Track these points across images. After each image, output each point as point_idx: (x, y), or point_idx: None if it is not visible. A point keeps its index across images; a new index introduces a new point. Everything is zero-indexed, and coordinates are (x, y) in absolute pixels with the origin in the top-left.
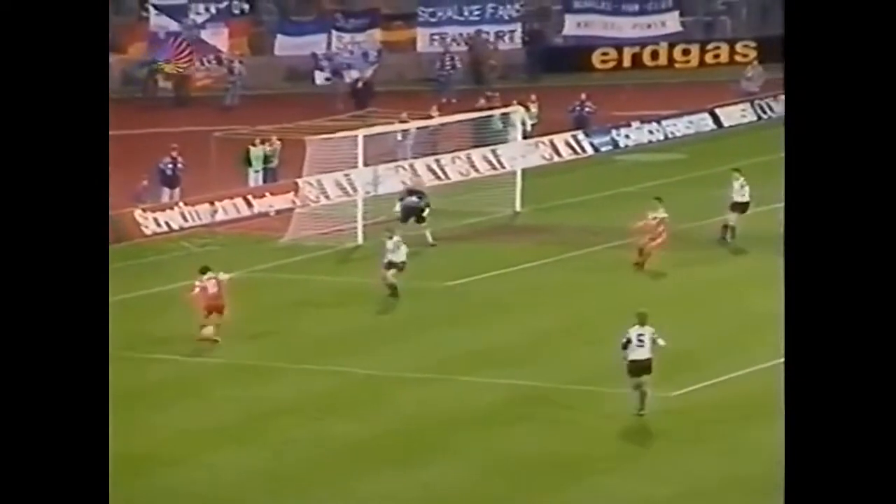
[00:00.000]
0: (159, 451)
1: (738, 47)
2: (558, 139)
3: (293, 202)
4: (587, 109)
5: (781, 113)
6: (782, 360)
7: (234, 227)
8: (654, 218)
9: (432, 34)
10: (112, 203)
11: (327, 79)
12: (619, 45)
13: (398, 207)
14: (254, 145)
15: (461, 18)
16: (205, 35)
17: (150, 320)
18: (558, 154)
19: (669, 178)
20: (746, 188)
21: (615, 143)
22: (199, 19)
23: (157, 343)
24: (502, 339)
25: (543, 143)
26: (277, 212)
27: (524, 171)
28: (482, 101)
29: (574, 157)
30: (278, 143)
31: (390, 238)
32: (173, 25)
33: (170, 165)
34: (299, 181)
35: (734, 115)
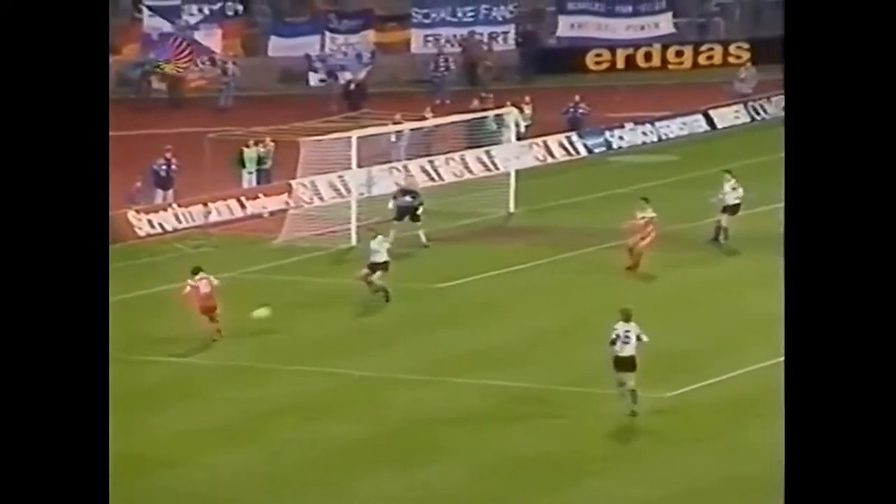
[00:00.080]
0: (154, 452)
1: (732, 49)
2: (552, 140)
3: (287, 203)
4: (581, 111)
5: (775, 114)
6: (778, 360)
7: (228, 229)
8: (642, 218)
9: (426, 35)
10: None
11: (321, 80)
12: (612, 46)
13: (391, 205)
14: (247, 146)
15: (455, 20)
16: (198, 36)
17: (144, 322)
18: (552, 155)
19: (663, 180)
20: (739, 190)
21: (609, 145)
22: (193, 20)
23: (152, 344)
24: (496, 341)
25: (537, 144)
26: (271, 213)
27: (518, 172)
28: (476, 103)
29: (568, 158)
30: (272, 144)
31: (375, 238)
32: (167, 27)
33: (163, 167)
34: (293, 182)
35: (727, 116)
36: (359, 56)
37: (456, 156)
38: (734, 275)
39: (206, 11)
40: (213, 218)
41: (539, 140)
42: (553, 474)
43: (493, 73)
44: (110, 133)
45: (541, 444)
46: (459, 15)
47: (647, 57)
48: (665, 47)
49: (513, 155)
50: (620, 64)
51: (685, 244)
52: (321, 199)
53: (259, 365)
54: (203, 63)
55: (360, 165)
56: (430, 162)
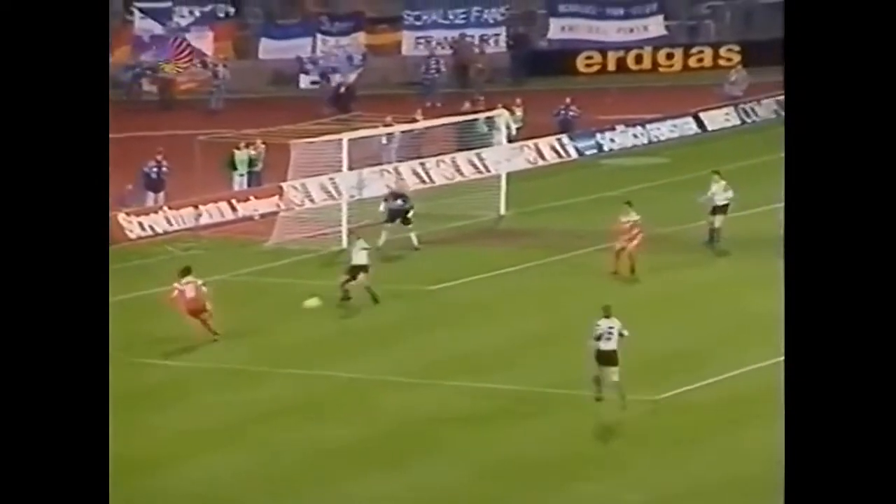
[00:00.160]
0: (148, 454)
1: (722, 51)
2: (543, 143)
3: (278, 206)
4: (572, 113)
5: (765, 117)
6: (771, 361)
7: (219, 231)
8: (627, 222)
9: (417, 38)
10: None
11: (312, 82)
12: (603, 48)
13: (382, 208)
14: (238, 149)
15: (446, 22)
16: (189, 38)
17: (135, 324)
18: (543, 158)
19: (653, 182)
20: (730, 192)
21: (599, 147)
22: (184, 23)
23: (144, 347)
24: (487, 343)
25: (528, 146)
26: (262, 215)
27: (509, 174)
28: (467, 105)
29: (559, 160)
30: (263, 146)
31: (354, 241)
32: (158, 29)
33: (154, 169)
34: (284, 185)
35: (718, 119)
36: (350, 58)
37: (447, 158)
38: (725, 277)
39: (197, 14)
40: (204, 220)
41: (530, 142)
42: (544, 477)
43: (485, 75)
44: None
45: (532, 447)
46: (451, 17)
47: (638, 59)
48: (656, 50)
49: (504, 157)
50: (611, 66)
51: (676, 246)
52: (312, 201)
53: (250, 368)
54: (194, 65)
55: (350, 168)
56: (421, 164)
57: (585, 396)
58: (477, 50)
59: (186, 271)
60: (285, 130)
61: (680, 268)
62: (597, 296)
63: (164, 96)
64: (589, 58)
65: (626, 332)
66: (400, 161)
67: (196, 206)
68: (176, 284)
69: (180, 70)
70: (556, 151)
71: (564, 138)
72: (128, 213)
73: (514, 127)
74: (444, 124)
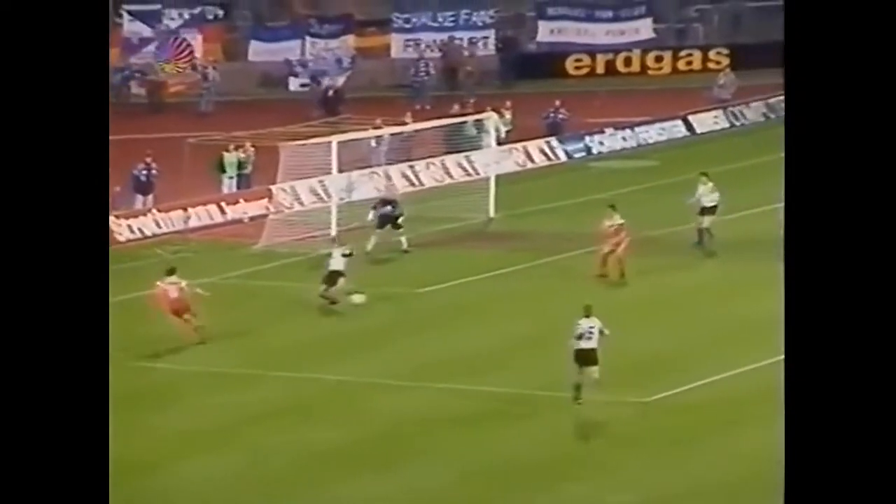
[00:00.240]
0: (139, 457)
1: (711, 54)
2: (532, 146)
3: (267, 208)
4: (561, 116)
5: (754, 120)
6: (761, 363)
7: (208, 234)
8: (612, 225)
9: (406, 40)
10: None
11: (301, 85)
12: (592, 51)
13: (371, 216)
14: (228, 151)
15: (435, 25)
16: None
17: (124, 327)
18: (532, 160)
19: (642, 185)
20: (716, 193)
21: (588, 150)
22: (173, 25)
23: (132, 349)
24: (476, 345)
25: (517, 149)
26: (251, 218)
27: (498, 177)
28: (456, 108)
29: (548, 163)
30: (252, 149)
31: (339, 246)
32: (147, 31)
33: (143, 172)
34: (273, 187)
35: (707, 121)
36: (339, 61)
37: (436, 161)
38: (714, 279)
39: (187, 16)
40: (193, 223)
41: (519, 145)
42: (533, 478)
43: (474, 78)
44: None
45: (521, 449)
46: (440, 20)
47: (627, 62)
48: (645, 53)
49: (493, 160)
50: (600, 69)
51: (665, 249)
52: (301, 204)
53: (240, 370)
54: (194, 65)
55: (340, 170)
56: (411, 167)
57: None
58: (466, 53)
59: (171, 271)
60: (275, 133)
61: (669, 270)
62: (585, 299)
63: (153, 99)
64: (578, 60)
65: (606, 331)
66: (389, 163)
67: (185, 209)
68: (159, 283)
69: (180, 70)
70: (545, 154)
71: (553, 141)
72: (117, 216)
73: (503, 130)
74: (433, 127)
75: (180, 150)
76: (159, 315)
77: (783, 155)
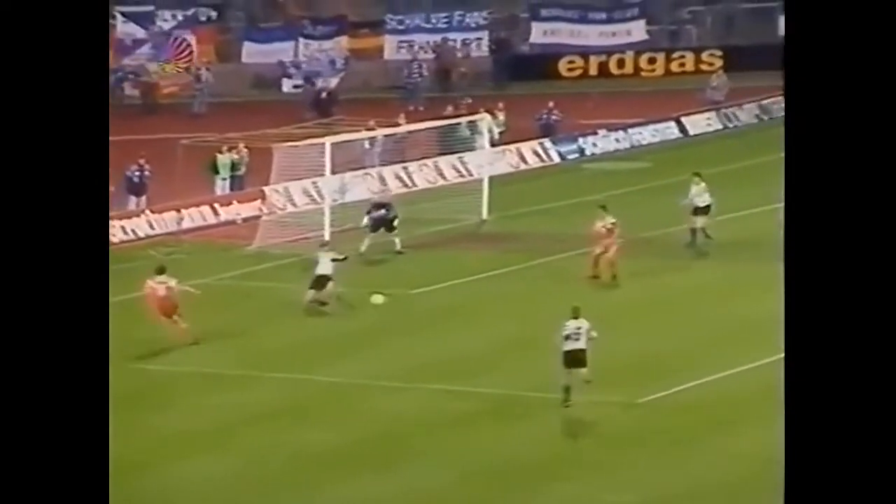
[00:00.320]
0: (131, 459)
1: (704, 56)
2: (525, 147)
3: (260, 210)
4: (554, 117)
5: (747, 122)
6: (754, 364)
7: (201, 235)
8: (603, 226)
9: (400, 42)
10: None
11: (295, 86)
12: (585, 53)
13: (366, 221)
14: (221, 153)
15: (428, 26)
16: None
17: (118, 328)
18: (525, 162)
19: (635, 186)
20: (707, 194)
21: (582, 151)
22: (167, 26)
23: (126, 351)
24: (469, 347)
25: (510, 150)
26: (244, 219)
27: (491, 178)
28: (450, 109)
29: (541, 164)
30: (245, 150)
31: (328, 251)
32: (140, 33)
33: (137, 173)
34: (266, 189)
35: (700, 123)
36: (332, 62)
37: (429, 162)
38: (707, 281)
39: (180, 17)
40: (187, 224)
41: (512, 146)
42: (526, 479)
43: (467, 79)
44: None
45: (514, 450)
46: (433, 21)
47: (620, 64)
48: (638, 54)
49: (486, 161)
50: (593, 71)
51: (657, 250)
52: (294, 205)
53: (233, 371)
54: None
55: (333, 172)
56: (404, 168)
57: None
58: (460, 54)
59: (160, 270)
60: (268, 134)
61: (661, 272)
62: (578, 300)
63: (146, 100)
64: (571, 62)
65: (594, 334)
66: (383, 165)
67: (178, 210)
68: (149, 282)
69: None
70: (539, 155)
71: (547, 142)
72: (110, 217)
73: (496, 131)
74: (426, 128)
75: (173, 151)
76: (151, 315)
77: (778, 156)
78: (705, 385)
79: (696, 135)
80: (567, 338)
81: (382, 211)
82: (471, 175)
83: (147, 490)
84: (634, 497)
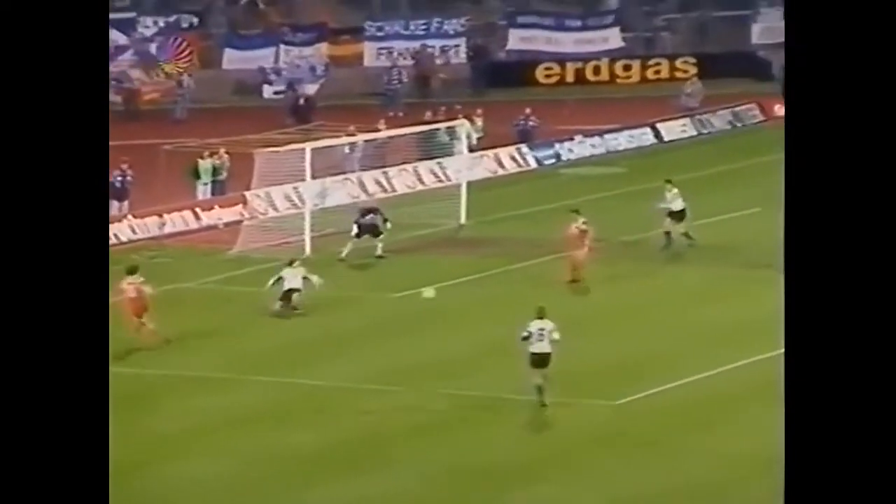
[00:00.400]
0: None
1: (678, 63)
2: (503, 152)
3: (242, 214)
4: (531, 123)
5: (720, 128)
6: (730, 366)
7: (183, 240)
8: (576, 227)
9: (379, 48)
10: None
11: (275, 92)
12: (562, 60)
13: (355, 230)
14: (202, 158)
15: (407, 33)
16: (153, 49)
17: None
18: (503, 167)
19: (611, 192)
20: (679, 199)
21: (558, 157)
22: (148, 33)
23: (113, 353)
24: (449, 350)
25: (488, 156)
26: (226, 224)
27: (469, 183)
28: (428, 115)
29: (518, 170)
30: (227, 155)
31: (290, 265)
32: (122, 39)
33: (119, 178)
34: (247, 194)
35: (674, 129)
36: (313, 69)
37: (409, 167)
38: (682, 285)
39: (162, 24)
40: (169, 229)
41: (490, 152)
42: (505, 480)
43: (446, 85)
44: None
45: (493, 451)
46: (412, 28)
47: (596, 71)
48: (613, 61)
49: (464, 166)
50: (570, 77)
51: (633, 254)
52: (276, 209)
53: (214, 375)
54: (158, 75)
55: (314, 177)
56: (384, 173)
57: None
58: (438, 61)
59: (132, 270)
60: (249, 140)
61: (637, 276)
62: (556, 303)
63: (128, 106)
64: (548, 69)
65: (557, 336)
66: (363, 170)
67: (161, 215)
68: (122, 283)
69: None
70: (516, 161)
71: (524, 148)
72: None
73: (474, 137)
74: (405, 134)
75: (156, 156)
76: (124, 317)
77: (750, 162)
78: (682, 387)
79: (670, 141)
80: (527, 337)
81: (370, 216)
82: (449, 180)
83: (133, 492)
84: (611, 498)
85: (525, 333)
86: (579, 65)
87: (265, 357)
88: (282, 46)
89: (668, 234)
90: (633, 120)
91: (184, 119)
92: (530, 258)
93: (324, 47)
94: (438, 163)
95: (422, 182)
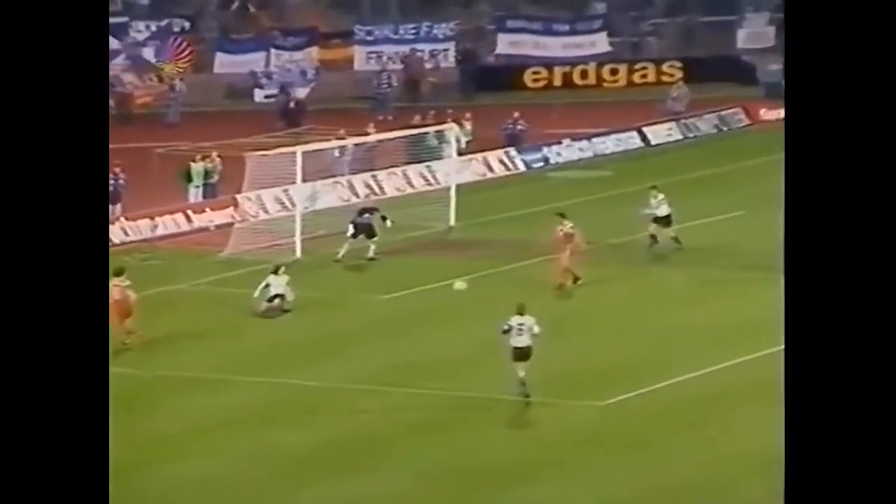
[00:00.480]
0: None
1: (665, 67)
2: (491, 156)
3: (233, 217)
4: (519, 127)
5: (706, 131)
6: (716, 367)
7: (175, 242)
8: (562, 231)
9: (369, 53)
10: None
11: (266, 96)
12: (550, 64)
13: (351, 231)
14: (194, 161)
15: (396, 37)
16: (146, 53)
17: None
18: (491, 170)
19: (598, 195)
20: (665, 205)
21: (546, 160)
22: (140, 37)
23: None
24: (439, 351)
25: (477, 159)
26: (217, 226)
27: (458, 186)
28: (418, 119)
29: (507, 173)
30: (218, 159)
31: (275, 272)
32: (114, 44)
33: (111, 181)
34: (239, 196)
35: (661, 133)
36: (303, 73)
37: (398, 170)
38: (668, 287)
39: (154, 28)
40: (161, 231)
41: (479, 155)
42: (496, 480)
43: (435, 89)
44: None
45: (485, 452)
46: (401, 32)
47: (584, 75)
48: (600, 66)
49: (453, 170)
50: (558, 81)
51: (620, 257)
52: (266, 212)
53: (207, 375)
54: (150, 79)
55: (304, 180)
56: (373, 176)
57: (534, 402)
58: (428, 65)
59: (118, 272)
60: (240, 143)
61: (624, 277)
62: (544, 305)
63: (121, 110)
64: (536, 73)
65: (537, 330)
66: (353, 173)
67: (153, 217)
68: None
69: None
70: (505, 164)
71: (512, 151)
72: None
73: (463, 140)
74: (395, 138)
75: (148, 160)
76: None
77: (735, 166)
78: (671, 387)
79: (657, 144)
80: (509, 331)
81: (366, 215)
82: (438, 183)
83: (131, 493)
84: (604, 498)
85: (505, 327)
86: (567, 69)
87: (257, 358)
88: (273, 50)
89: (653, 236)
90: (620, 124)
91: (176, 123)
92: (519, 260)
93: (314, 51)
94: (427, 166)
95: (411, 185)
